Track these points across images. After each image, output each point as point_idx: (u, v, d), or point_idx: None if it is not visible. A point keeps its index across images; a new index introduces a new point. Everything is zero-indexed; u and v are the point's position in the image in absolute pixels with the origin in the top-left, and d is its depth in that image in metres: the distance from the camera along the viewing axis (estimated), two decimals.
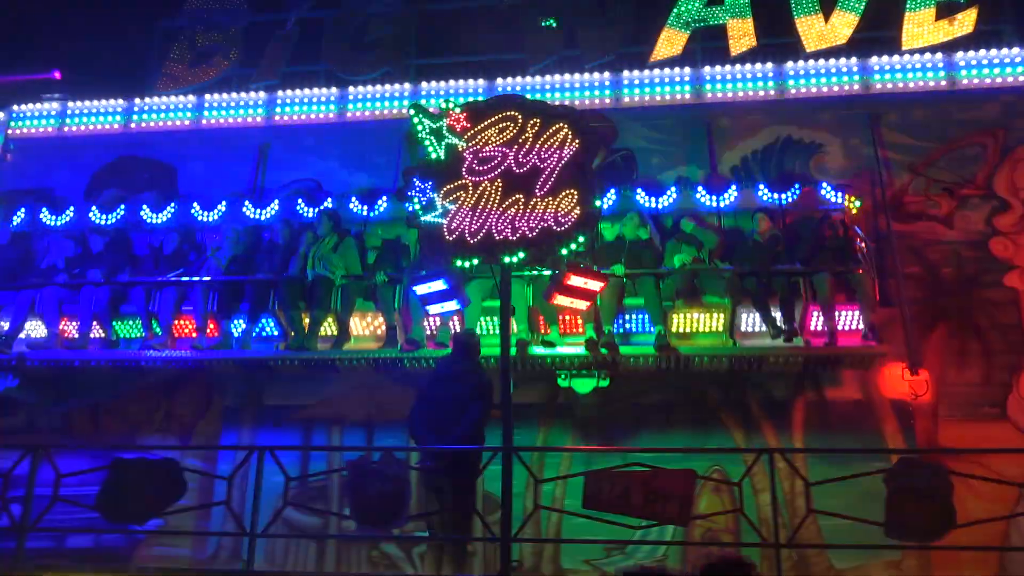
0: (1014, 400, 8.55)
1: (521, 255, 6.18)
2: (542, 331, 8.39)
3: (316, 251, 8.78)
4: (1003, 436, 8.36)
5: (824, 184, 9.01)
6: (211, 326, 8.94)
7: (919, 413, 8.55)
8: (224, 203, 9.72)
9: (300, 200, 9.59)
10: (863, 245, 8.41)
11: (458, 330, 7.89)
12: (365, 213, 9.38)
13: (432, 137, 6.50)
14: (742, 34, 10.46)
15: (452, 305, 6.71)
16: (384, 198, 9.40)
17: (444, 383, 6.68)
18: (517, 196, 6.27)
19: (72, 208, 9.97)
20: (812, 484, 5.89)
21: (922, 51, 9.97)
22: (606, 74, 10.41)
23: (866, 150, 9.55)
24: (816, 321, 8.37)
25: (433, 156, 6.50)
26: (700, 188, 9.14)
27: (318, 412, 9.47)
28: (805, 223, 8.79)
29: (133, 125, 11.09)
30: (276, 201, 9.70)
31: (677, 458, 6.79)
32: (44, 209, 9.99)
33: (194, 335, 9.02)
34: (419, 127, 6.54)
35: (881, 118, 9.67)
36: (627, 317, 8.61)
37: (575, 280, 6.47)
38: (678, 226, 8.96)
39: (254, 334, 8.91)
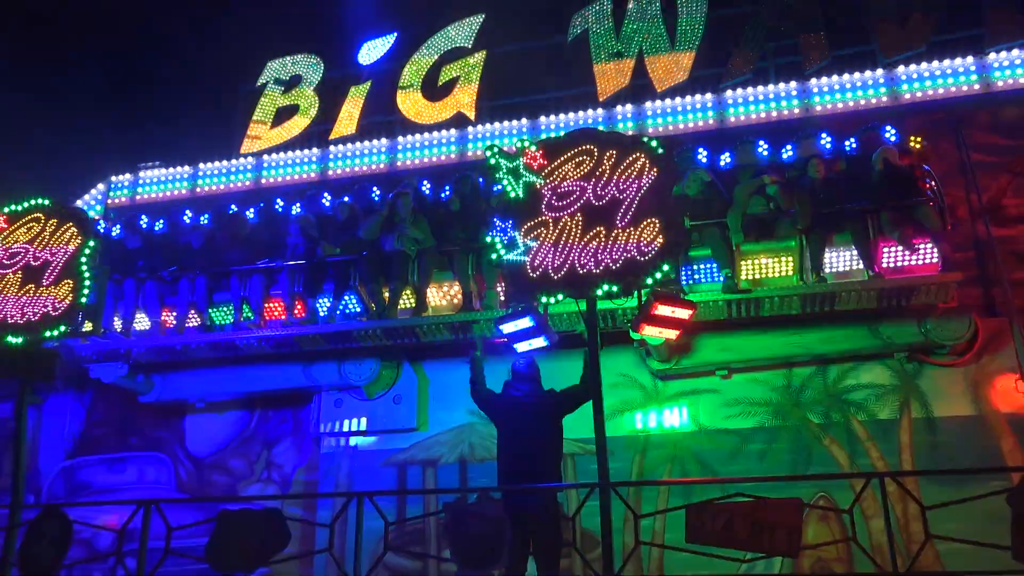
0: None
1: (606, 287, 6.13)
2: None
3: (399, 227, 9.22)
4: None
5: (887, 127, 8.89)
6: (298, 306, 9.48)
7: None
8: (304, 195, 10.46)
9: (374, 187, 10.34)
10: (931, 183, 8.26)
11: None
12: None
13: (510, 176, 6.54)
14: (815, 48, 10.29)
15: (540, 342, 6.68)
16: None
17: (523, 412, 6.55)
18: (598, 228, 6.23)
19: (166, 215, 10.73)
20: (928, 508, 5.59)
21: (1008, 48, 9.60)
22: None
23: (955, 155, 9.21)
24: (888, 257, 8.23)
25: (512, 195, 6.53)
26: (760, 142, 9.22)
27: (412, 455, 9.58)
28: (864, 162, 8.70)
29: (264, 181, 11.53)
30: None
31: (779, 486, 6.57)
32: (143, 216, 10.72)
33: (283, 316, 9.55)
34: (497, 167, 6.59)
35: (964, 122, 9.32)
36: (694, 267, 8.63)
37: (662, 309, 6.38)
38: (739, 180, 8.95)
39: (338, 310, 9.38)
